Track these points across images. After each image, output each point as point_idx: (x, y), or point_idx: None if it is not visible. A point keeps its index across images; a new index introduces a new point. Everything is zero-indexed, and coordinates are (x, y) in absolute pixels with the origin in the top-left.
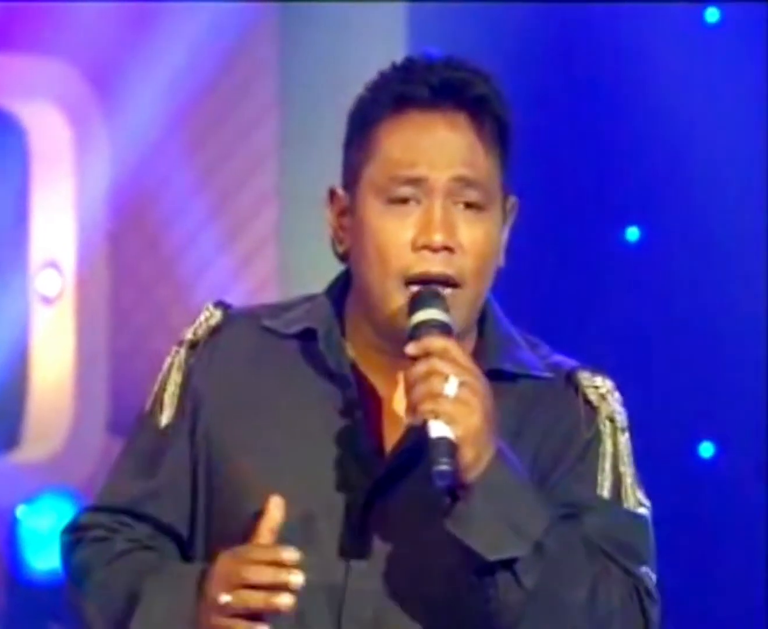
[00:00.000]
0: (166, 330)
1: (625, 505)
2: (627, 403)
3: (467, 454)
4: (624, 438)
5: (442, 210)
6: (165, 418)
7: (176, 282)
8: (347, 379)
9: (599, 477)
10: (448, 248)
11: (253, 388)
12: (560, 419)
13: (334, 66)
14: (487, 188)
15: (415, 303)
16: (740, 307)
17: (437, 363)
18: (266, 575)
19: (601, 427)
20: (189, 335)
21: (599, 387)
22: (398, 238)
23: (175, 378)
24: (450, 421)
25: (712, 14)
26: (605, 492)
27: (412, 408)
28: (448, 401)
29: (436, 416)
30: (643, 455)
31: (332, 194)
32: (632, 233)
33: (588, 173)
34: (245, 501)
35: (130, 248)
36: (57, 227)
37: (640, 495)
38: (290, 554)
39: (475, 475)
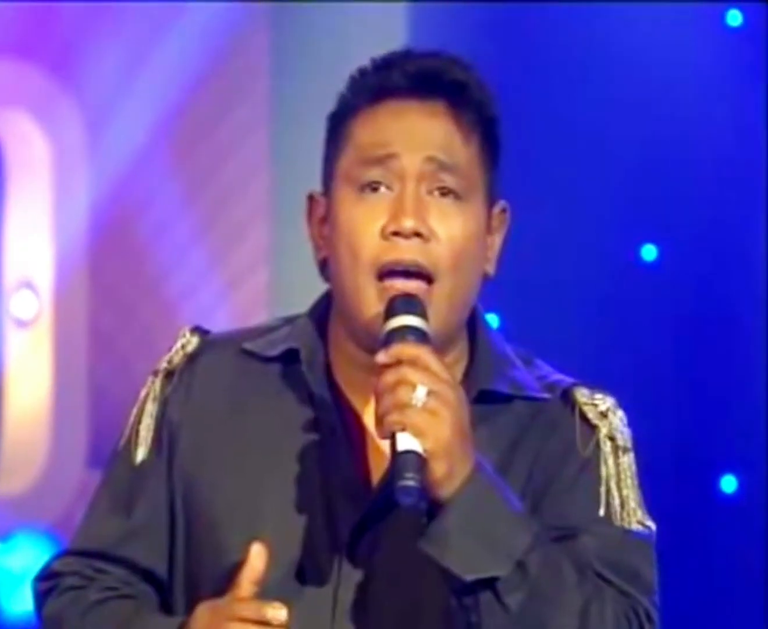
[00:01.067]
0: (149, 355)
1: (626, 527)
2: (643, 433)
3: (438, 468)
4: (627, 458)
5: (414, 195)
6: (140, 453)
7: (161, 304)
8: (329, 403)
9: (598, 498)
10: (419, 235)
11: (232, 418)
12: (556, 439)
13: (331, 70)
14: (466, 176)
15: (390, 309)
16: (765, 332)
17: (406, 372)
18: None
19: (601, 445)
20: (164, 364)
21: (598, 405)
22: (369, 226)
23: (151, 410)
24: (418, 433)
25: (734, 17)
26: (604, 512)
27: (379, 421)
28: (415, 412)
29: (403, 429)
30: (660, 489)
31: (311, 199)
32: (649, 252)
33: (600, 186)
34: (225, 539)
35: (111, 267)
36: (33, 244)
37: (643, 517)
38: (275, 612)
39: (448, 491)
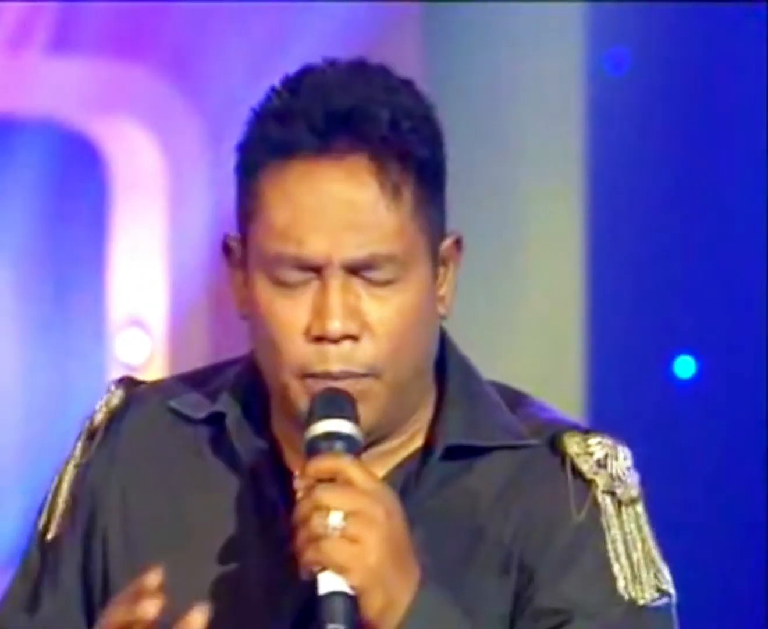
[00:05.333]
0: None
1: (639, 601)
2: None
3: (373, 604)
4: (632, 512)
5: (341, 290)
6: (53, 528)
7: None
8: (267, 476)
9: (599, 571)
10: (350, 337)
11: (160, 488)
12: (544, 500)
13: (494, 85)
14: (397, 256)
15: (312, 411)
16: None
17: (320, 495)
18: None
19: (600, 504)
20: (86, 423)
21: (594, 452)
22: (291, 326)
23: (71, 476)
24: (339, 569)
25: None
26: (607, 588)
27: (298, 560)
28: (332, 545)
29: (323, 567)
30: None
31: (226, 245)
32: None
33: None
34: None
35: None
36: (144, 275)
37: (660, 581)
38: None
39: (391, 624)
